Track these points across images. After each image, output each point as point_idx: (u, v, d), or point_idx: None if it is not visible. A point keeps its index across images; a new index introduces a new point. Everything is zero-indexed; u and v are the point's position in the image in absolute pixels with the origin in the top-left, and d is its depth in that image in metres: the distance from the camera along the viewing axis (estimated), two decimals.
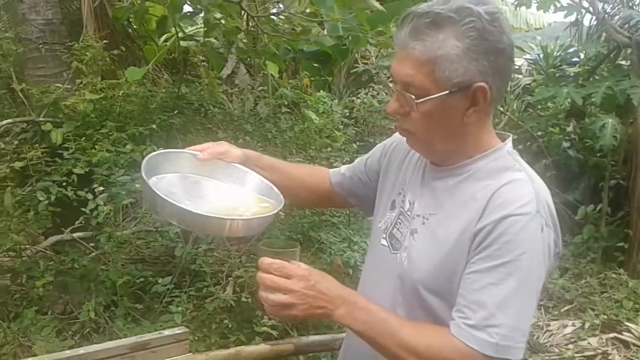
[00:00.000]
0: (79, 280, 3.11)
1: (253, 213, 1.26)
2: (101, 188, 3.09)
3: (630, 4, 5.49)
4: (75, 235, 3.36)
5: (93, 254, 3.25)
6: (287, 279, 1.07)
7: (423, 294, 1.16)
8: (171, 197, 1.16)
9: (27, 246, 3.37)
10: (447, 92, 1.08)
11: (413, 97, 1.10)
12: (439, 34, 1.06)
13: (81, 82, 3.69)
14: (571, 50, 6.02)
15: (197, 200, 1.26)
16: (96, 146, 3.28)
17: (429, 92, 1.09)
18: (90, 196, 3.06)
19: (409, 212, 1.25)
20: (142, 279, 3.20)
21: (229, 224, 1.17)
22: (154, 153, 1.32)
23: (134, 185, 3.03)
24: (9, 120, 3.72)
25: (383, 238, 1.29)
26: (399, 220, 1.27)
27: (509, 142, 1.22)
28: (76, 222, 3.26)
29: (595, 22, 5.44)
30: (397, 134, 1.39)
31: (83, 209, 3.10)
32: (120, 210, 3.28)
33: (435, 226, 1.17)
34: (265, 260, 1.08)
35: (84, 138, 3.38)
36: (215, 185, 1.35)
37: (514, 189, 1.10)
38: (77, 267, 3.11)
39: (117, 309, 3.13)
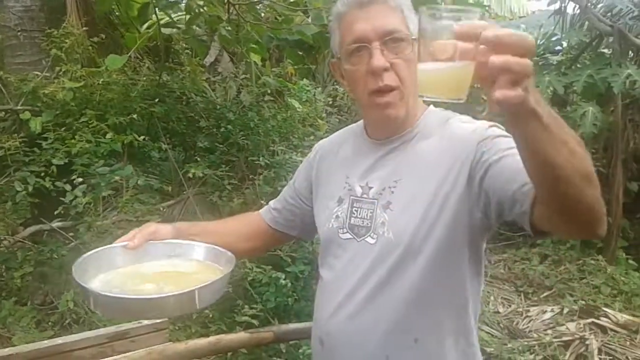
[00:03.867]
0: (58, 270, 3.10)
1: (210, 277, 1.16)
2: (80, 179, 3.06)
3: None
4: (55, 225, 3.34)
5: (72, 243, 3.23)
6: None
7: (415, 256, 1.17)
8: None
9: (6, 237, 3.34)
10: (414, 37, 1.15)
11: (408, 35, 1.17)
12: None
13: (60, 70, 3.65)
14: (554, 38, 6.03)
15: (145, 288, 1.19)
16: (76, 136, 3.25)
17: (409, 35, 1.17)
18: (68, 187, 3.04)
19: (364, 196, 1.27)
20: None
21: (197, 294, 1.06)
22: (83, 257, 1.22)
23: (113, 177, 3.01)
24: None
25: (343, 232, 1.29)
26: (353, 208, 1.28)
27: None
28: (55, 213, 3.23)
29: (578, 11, 5.46)
30: (316, 146, 1.49)
31: (62, 199, 3.09)
32: (100, 200, 3.26)
33: (406, 189, 1.21)
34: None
35: (63, 128, 3.36)
36: (160, 266, 1.28)
37: (464, 120, 1.24)
38: (56, 257, 3.10)
39: None
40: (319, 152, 1.47)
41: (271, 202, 1.58)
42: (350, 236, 1.27)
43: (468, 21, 0.76)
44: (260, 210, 1.59)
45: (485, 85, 0.76)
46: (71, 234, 3.31)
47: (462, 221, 1.15)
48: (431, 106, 1.31)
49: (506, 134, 1.09)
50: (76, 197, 3.02)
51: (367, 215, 1.25)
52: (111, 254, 1.27)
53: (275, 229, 1.53)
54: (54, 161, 3.11)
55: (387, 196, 1.23)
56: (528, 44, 0.74)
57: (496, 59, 0.72)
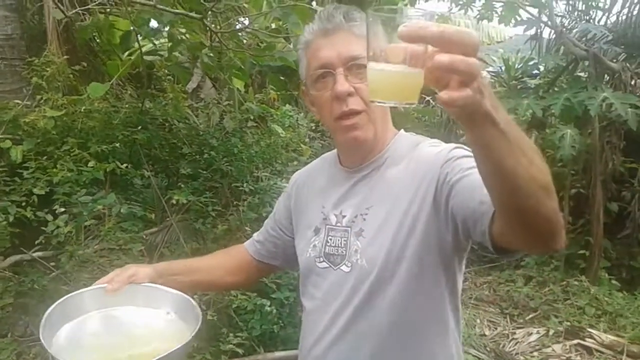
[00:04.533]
0: (39, 301, 3.03)
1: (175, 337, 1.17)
2: (62, 209, 3.03)
3: (587, 17, 5.65)
4: (36, 255, 3.28)
5: (54, 273, 3.18)
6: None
7: (389, 283, 1.18)
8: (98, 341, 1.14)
9: None
10: None
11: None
12: (361, 15, 1.20)
13: (41, 98, 3.63)
14: (531, 62, 6.17)
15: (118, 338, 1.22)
16: (57, 165, 3.22)
17: None
18: (50, 217, 2.99)
19: (338, 224, 1.29)
20: None
21: None
22: (62, 300, 1.25)
23: (95, 206, 2.98)
24: None
25: (320, 261, 1.30)
26: (329, 237, 1.29)
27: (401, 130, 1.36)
28: (36, 242, 3.18)
29: (554, 36, 5.59)
30: (293, 177, 1.52)
31: (43, 228, 3.04)
32: (82, 229, 3.22)
33: (377, 215, 1.23)
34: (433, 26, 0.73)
35: (44, 156, 3.32)
36: (131, 316, 1.29)
37: (433, 144, 1.26)
38: (37, 287, 3.03)
39: None
40: (297, 182, 1.50)
41: (254, 235, 1.60)
42: (327, 265, 1.29)
43: (414, 21, 0.73)
44: (245, 243, 1.61)
45: (439, 89, 0.74)
46: (52, 263, 3.25)
47: (431, 242, 1.17)
48: (402, 131, 1.34)
49: (470, 154, 1.09)
50: (58, 226, 2.98)
51: (341, 243, 1.27)
52: (89, 297, 1.28)
53: (259, 260, 1.55)
54: (35, 190, 3.07)
55: (359, 224, 1.25)
56: (473, 40, 0.71)
57: (442, 58, 0.70)
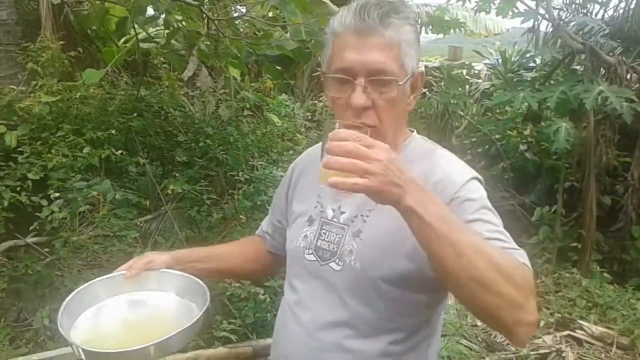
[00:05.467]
0: (32, 286, 3.04)
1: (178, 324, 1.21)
2: (57, 194, 3.02)
3: (585, 10, 5.66)
4: (30, 240, 3.29)
5: (48, 259, 3.18)
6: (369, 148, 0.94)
7: (382, 288, 1.16)
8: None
9: None
10: (409, 76, 1.15)
11: (395, 79, 1.12)
12: (399, 20, 1.12)
13: (37, 84, 3.61)
14: (528, 55, 6.17)
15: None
16: (52, 150, 3.21)
17: (399, 77, 1.13)
18: (45, 202, 2.99)
19: (335, 220, 1.25)
20: None
21: (153, 350, 1.11)
22: (79, 289, 1.32)
23: (90, 192, 2.98)
24: None
25: (309, 254, 1.26)
26: (322, 231, 1.26)
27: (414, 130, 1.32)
28: (30, 228, 3.18)
29: (551, 29, 5.59)
30: (293, 163, 1.47)
31: (38, 214, 3.04)
32: (76, 215, 3.22)
33: (380, 221, 1.18)
34: (342, 131, 0.95)
35: (39, 142, 3.32)
36: (144, 299, 1.36)
37: (447, 158, 1.22)
38: (31, 273, 3.04)
39: None
40: (297, 167, 1.44)
41: (262, 224, 1.57)
42: (315, 259, 1.25)
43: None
44: (257, 232, 1.59)
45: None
46: (47, 249, 3.26)
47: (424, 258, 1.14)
48: (414, 133, 1.29)
49: (477, 196, 1.12)
50: (52, 212, 2.98)
51: (334, 239, 1.23)
52: (112, 282, 1.35)
53: (271, 252, 1.53)
54: (30, 175, 3.07)
55: (358, 224, 1.21)
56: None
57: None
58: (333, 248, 1.22)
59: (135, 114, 4.04)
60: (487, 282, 0.91)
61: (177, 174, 3.97)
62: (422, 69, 1.22)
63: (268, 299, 3.20)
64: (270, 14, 5.11)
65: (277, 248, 1.50)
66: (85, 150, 3.29)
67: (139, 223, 3.69)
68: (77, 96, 3.72)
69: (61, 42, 3.87)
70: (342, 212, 1.24)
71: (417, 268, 1.13)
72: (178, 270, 1.36)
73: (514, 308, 0.92)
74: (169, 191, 3.65)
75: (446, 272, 0.94)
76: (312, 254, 1.25)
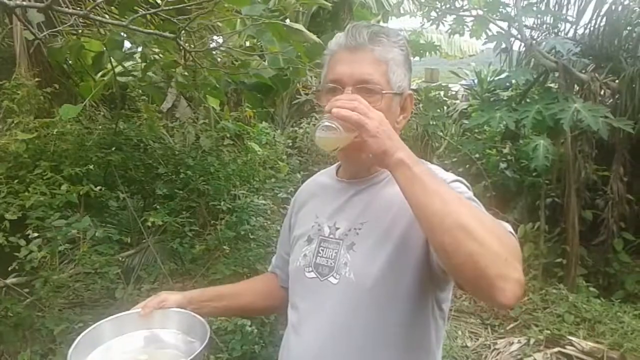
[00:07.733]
0: (13, 329, 2.95)
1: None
2: (35, 234, 2.96)
3: (556, 30, 5.78)
4: (9, 281, 3.20)
5: (28, 300, 3.10)
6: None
7: (374, 300, 1.18)
8: None
9: None
10: (394, 92, 1.22)
11: (379, 87, 1.21)
12: (389, 40, 1.24)
13: (12, 122, 3.57)
14: (503, 76, 6.27)
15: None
16: (29, 189, 3.16)
17: (384, 89, 1.22)
18: (23, 242, 2.93)
19: (331, 236, 1.29)
20: (81, 324, 3.06)
21: None
22: (89, 329, 1.33)
23: (70, 230, 2.93)
24: None
25: (309, 271, 1.30)
26: (320, 248, 1.30)
27: None
28: (9, 268, 3.11)
29: (524, 48, 5.69)
30: (295, 194, 1.53)
31: (16, 254, 2.97)
32: (56, 253, 3.16)
33: (372, 231, 1.23)
34: (343, 96, 1.13)
35: (16, 180, 3.26)
36: (146, 337, 1.39)
37: (438, 171, 1.26)
38: (11, 315, 2.96)
39: (55, 357, 2.99)
40: (297, 198, 1.50)
41: (273, 260, 1.61)
42: (315, 275, 1.29)
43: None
44: (270, 269, 1.62)
45: None
46: (27, 290, 3.18)
47: (423, 268, 1.17)
48: None
49: (463, 190, 1.17)
50: (31, 251, 2.91)
51: (331, 255, 1.27)
52: (126, 320, 1.38)
53: (284, 287, 1.53)
54: (7, 216, 3.00)
55: (351, 237, 1.25)
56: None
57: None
58: (331, 263, 1.26)
59: (114, 148, 4.00)
60: (472, 229, 0.94)
61: (158, 207, 3.92)
62: (411, 92, 1.29)
63: (255, 331, 3.15)
64: (248, 43, 5.14)
65: (286, 281, 1.51)
66: (63, 187, 3.23)
67: (120, 258, 3.63)
68: (54, 132, 3.68)
69: (37, 79, 3.84)
70: (337, 228, 1.29)
71: (417, 282, 1.17)
72: (190, 309, 1.39)
73: (498, 260, 0.93)
74: (150, 224, 3.60)
75: (432, 219, 0.97)
76: (312, 271, 1.29)
